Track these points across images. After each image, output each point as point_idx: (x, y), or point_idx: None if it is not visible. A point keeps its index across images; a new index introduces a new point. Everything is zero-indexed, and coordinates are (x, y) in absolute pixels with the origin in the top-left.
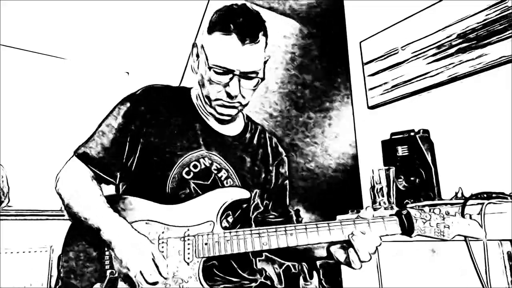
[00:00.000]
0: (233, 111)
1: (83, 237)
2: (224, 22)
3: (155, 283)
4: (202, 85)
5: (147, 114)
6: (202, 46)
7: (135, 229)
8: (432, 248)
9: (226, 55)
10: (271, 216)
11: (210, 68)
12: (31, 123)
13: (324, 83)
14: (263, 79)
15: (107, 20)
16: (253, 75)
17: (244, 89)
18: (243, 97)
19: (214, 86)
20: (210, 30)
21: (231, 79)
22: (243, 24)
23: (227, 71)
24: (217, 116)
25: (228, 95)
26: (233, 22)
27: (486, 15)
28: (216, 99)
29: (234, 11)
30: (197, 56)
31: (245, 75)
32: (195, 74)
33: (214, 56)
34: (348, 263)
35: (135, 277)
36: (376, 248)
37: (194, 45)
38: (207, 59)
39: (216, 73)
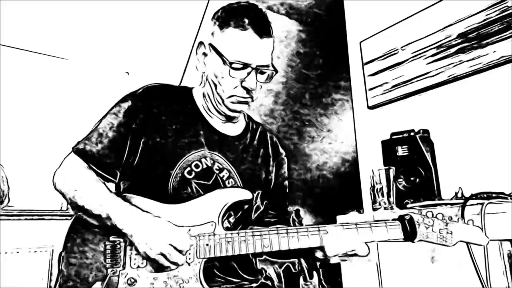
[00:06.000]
0: (244, 107)
1: (84, 234)
2: (238, 18)
3: (176, 264)
4: (213, 83)
5: (149, 113)
6: (211, 44)
7: (147, 212)
8: (434, 250)
9: (244, 50)
10: (269, 216)
11: (231, 63)
12: (31, 123)
13: (323, 83)
14: (276, 71)
15: (107, 20)
16: (266, 68)
17: (258, 82)
18: (254, 91)
19: (230, 82)
20: (222, 27)
21: (248, 73)
22: (258, 19)
23: (245, 66)
24: (228, 113)
25: (246, 89)
26: (248, 17)
27: (486, 15)
28: (231, 96)
29: (245, 7)
30: (204, 54)
31: (260, 69)
32: (201, 73)
33: (233, 52)
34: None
35: (157, 256)
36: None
37: (201, 44)
38: (223, 56)
39: (235, 68)
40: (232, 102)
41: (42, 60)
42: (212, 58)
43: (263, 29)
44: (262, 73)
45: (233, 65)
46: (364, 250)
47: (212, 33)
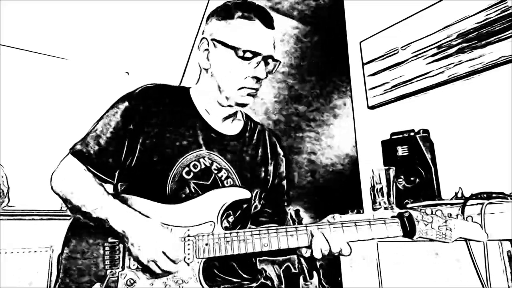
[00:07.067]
0: (251, 100)
1: (83, 235)
2: (244, 10)
3: (167, 272)
4: (220, 77)
5: (146, 113)
6: (215, 39)
7: (145, 215)
8: (434, 250)
9: (254, 39)
10: (264, 215)
11: (244, 52)
12: (31, 123)
13: (324, 83)
14: (280, 62)
15: (107, 20)
16: (273, 59)
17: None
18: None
19: (240, 73)
20: (228, 19)
21: (258, 62)
22: (262, 12)
23: (255, 55)
24: (235, 107)
25: (256, 78)
26: (253, 10)
27: (486, 15)
28: (240, 88)
29: (248, 3)
30: (207, 51)
31: (267, 59)
32: (203, 69)
33: (243, 41)
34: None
35: (148, 263)
36: (333, 251)
37: (203, 40)
38: (234, 47)
39: (246, 58)
40: (242, 95)
41: (42, 60)
42: (218, 52)
43: (268, 21)
44: (268, 64)
45: (245, 54)
46: (347, 250)
47: (216, 28)
